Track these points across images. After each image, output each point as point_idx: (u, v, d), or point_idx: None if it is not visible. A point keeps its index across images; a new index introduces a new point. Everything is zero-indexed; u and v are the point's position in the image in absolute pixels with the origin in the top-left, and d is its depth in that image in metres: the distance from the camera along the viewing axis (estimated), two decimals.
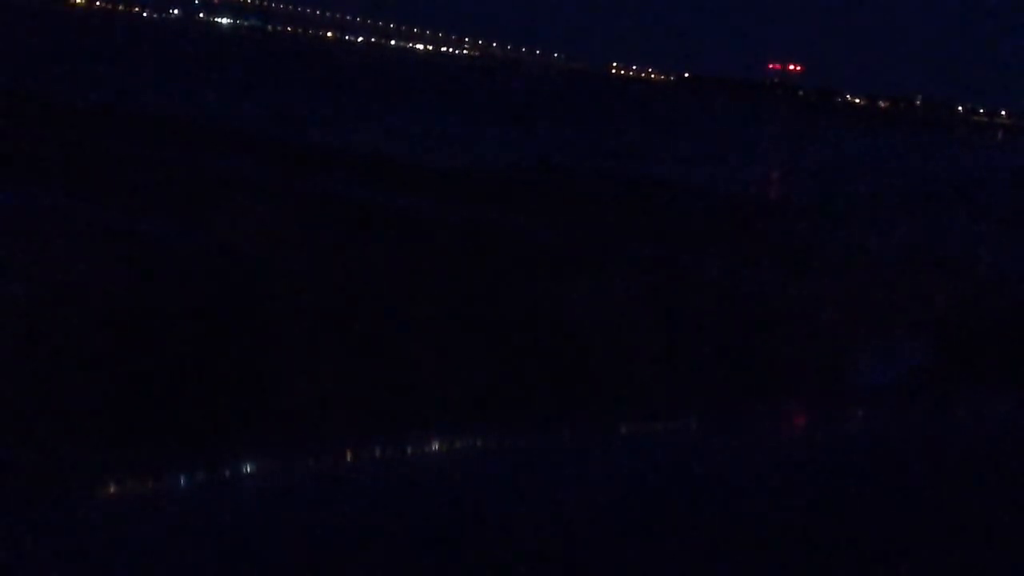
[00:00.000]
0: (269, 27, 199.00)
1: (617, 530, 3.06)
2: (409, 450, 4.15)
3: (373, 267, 11.78)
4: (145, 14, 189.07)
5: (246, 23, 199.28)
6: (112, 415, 7.18)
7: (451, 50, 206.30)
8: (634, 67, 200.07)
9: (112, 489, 3.52)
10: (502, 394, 8.22)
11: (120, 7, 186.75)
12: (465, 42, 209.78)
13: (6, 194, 13.54)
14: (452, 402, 7.97)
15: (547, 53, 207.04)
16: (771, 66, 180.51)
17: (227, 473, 3.71)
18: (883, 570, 2.96)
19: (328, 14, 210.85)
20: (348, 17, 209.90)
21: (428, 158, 24.37)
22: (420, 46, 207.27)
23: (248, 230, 12.69)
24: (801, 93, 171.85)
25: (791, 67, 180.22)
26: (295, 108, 36.87)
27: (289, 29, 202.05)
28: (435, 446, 4.28)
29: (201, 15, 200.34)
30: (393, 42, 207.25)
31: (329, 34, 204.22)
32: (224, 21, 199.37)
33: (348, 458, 3.98)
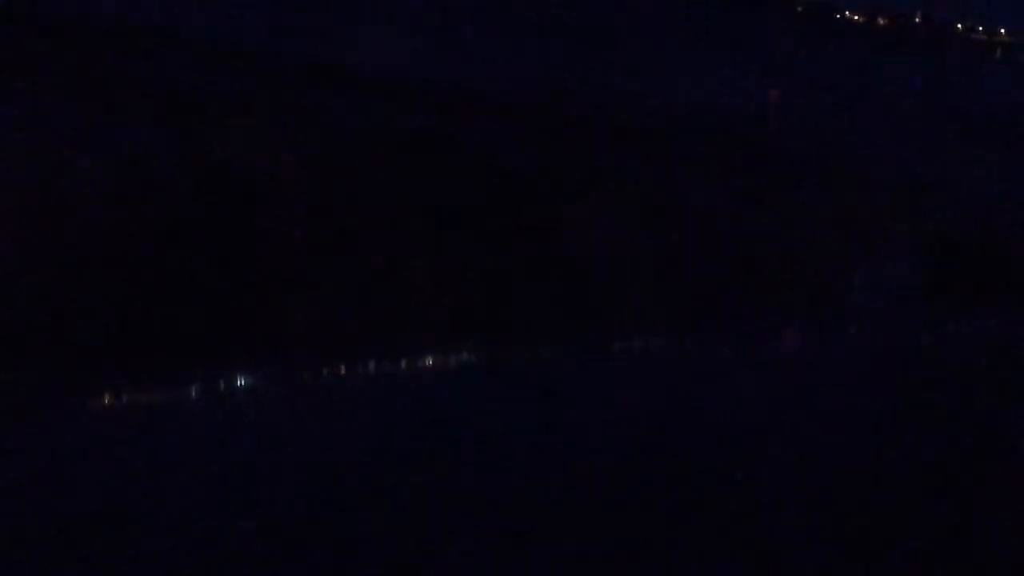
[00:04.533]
0: None
1: (609, 453, 3.12)
2: (405, 366, 4.20)
3: (373, 184, 11.79)
4: None
5: None
6: (103, 330, 7.26)
7: None
8: None
9: (107, 402, 3.57)
10: (500, 314, 8.29)
11: None
12: None
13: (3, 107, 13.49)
14: (448, 322, 8.04)
15: None
16: None
17: (221, 388, 3.76)
18: (879, 490, 3.04)
19: None
20: None
21: (425, 76, 24.19)
22: None
23: (248, 147, 12.69)
24: (799, 9, 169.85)
25: None
26: (287, 22, 36.43)
27: None
28: (433, 363, 4.33)
29: None
30: None
31: None
32: None
33: (346, 375, 4.01)
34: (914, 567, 3.14)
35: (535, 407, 3.78)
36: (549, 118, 18.82)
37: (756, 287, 9.65)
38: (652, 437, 3.43)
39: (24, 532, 2.74)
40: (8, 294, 7.62)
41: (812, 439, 3.51)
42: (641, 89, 28.48)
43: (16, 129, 12.47)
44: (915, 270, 10.89)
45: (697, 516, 3.12)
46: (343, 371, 4.46)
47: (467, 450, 3.39)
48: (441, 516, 3.02)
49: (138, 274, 8.18)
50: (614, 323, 7.90)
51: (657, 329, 7.15)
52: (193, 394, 3.92)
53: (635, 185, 13.45)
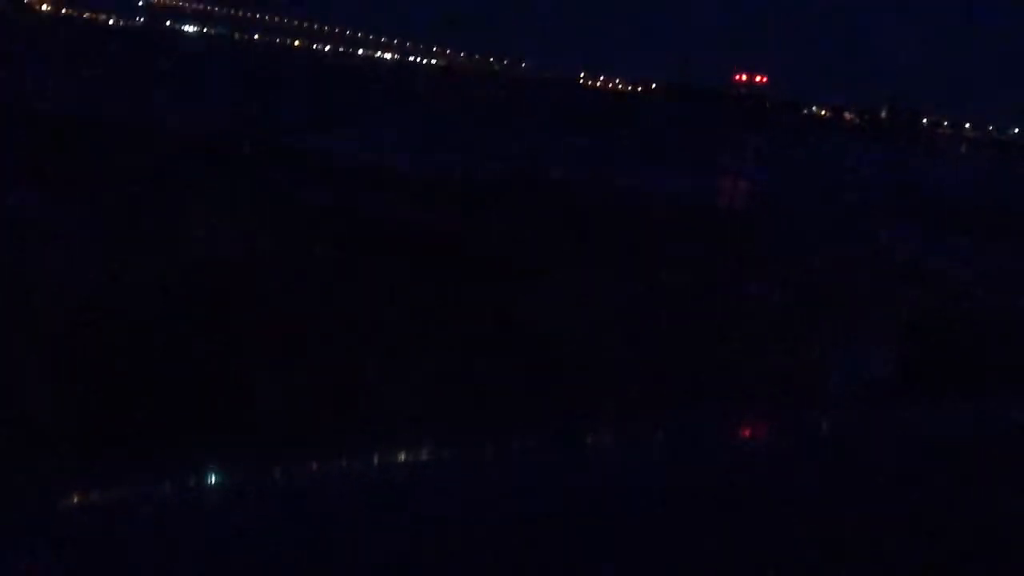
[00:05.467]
0: (236, 35, 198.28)
1: (586, 536, 3.08)
2: (378, 458, 4.15)
3: (347, 273, 11.79)
4: (111, 21, 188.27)
5: (212, 31, 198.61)
6: (85, 420, 7.16)
7: (419, 59, 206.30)
8: (602, 76, 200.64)
9: (74, 500, 3.50)
10: (469, 400, 8.24)
11: (86, 14, 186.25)
12: (432, 51, 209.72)
13: None
14: (420, 413, 7.98)
15: (515, 62, 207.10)
16: (737, 77, 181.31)
17: (198, 480, 3.71)
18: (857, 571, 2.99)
19: (295, 23, 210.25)
20: (315, 26, 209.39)
21: (399, 166, 24.40)
22: (388, 55, 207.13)
23: (217, 235, 12.67)
24: (768, 104, 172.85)
25: (757, 78, 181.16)
26: (261, 115, 36.77)
27: (256, 38, 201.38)
28: (404, 454, 4.27)
29: (168, 23, 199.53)
30: (361, 51, 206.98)
31: (296, 43, 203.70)
32: (190, 29, 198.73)
33: (318, 467, 3.97)
34: None
35: (513, 498, 3.68)
36: (526, 204, 18.98)
37: (725, 373, 9.62)
38: (618, 524, 3.33)
39: None
40: None
41: (779, 533, 3.41)
42: (618, 179, 28.76)
43: None
44: (890, 357, 10.90)
45: None
46: (315, 466, 4.35)
47: (447, 546, 3.28)
48: None
49: (98, 367, 8.10)
50: (588, 410, 7.85)
51: (624, 416, 7.07)
52: (164, 490, 3.81)
53: (609, 269, 13.48)
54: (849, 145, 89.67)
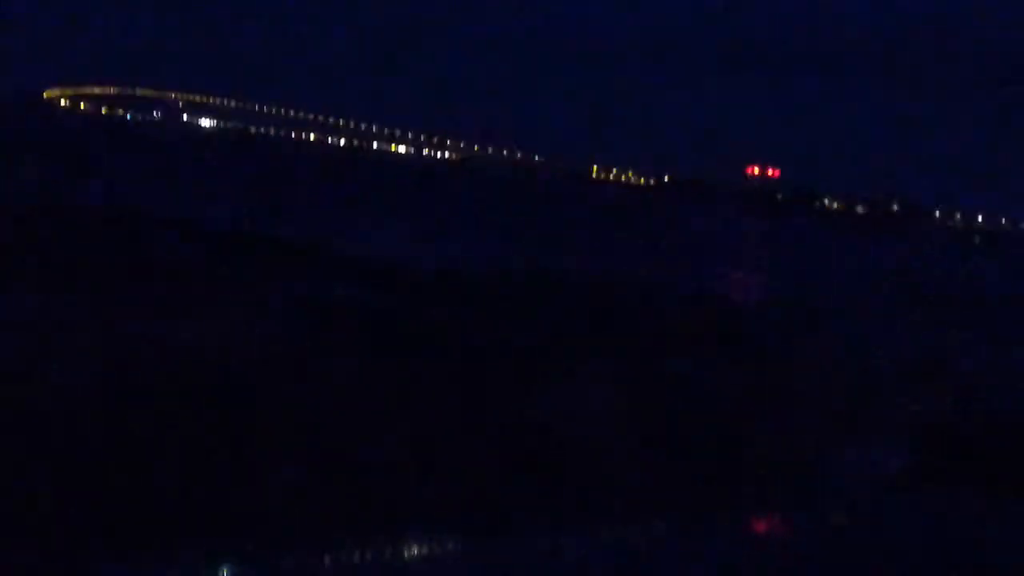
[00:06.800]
0: (252, 129, 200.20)
1: None
2: (389, 553, 4.15)
3: (356, 366, 11.82)
4: (129, 116, 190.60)
5: (228, 125, 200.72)
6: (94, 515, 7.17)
7: (433, 153, 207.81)
8: (615, 170, 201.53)
9: None
10: (480, 498, 8.21)
11: (103, 109, 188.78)
12: (447, 144, 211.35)
13: None
14: (429, 506, 7.95)
15: (528, 155, 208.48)
16: (749, 170, 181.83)
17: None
18: None
19: (311, 116, 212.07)
20: (331, 120, 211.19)
21: (413, 260, 24.53)
22: (403, 148, 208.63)
23: (239, 332, 12.74)
24: (779, 197, 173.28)
25: (769, 171, 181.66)
26: (277, 209, 37.05)
27: (272, 131, 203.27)
28: (418, 549, 4.27)
29: (185, 117, 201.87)
30: (376, 144, 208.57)
31: (312, 136, 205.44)
32: (206, 123, 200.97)
33: (330, 563, 3.97)
34: None
35: None
36: (539, 299, 19.04)
37: (739, 471, 9.58)
38: None
39: None
40: None
41: None
42: (627, 274, 28.87)
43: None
44: (903, 455, 10.85)
45: None
46: (319, 560, 4.37)
47: None
48: None
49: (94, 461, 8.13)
50: (601, 508, 7.83)
51: (638, 515, 7.04)
52: None
53: (620, 367, 13.48)
54: (861, 238, 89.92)
